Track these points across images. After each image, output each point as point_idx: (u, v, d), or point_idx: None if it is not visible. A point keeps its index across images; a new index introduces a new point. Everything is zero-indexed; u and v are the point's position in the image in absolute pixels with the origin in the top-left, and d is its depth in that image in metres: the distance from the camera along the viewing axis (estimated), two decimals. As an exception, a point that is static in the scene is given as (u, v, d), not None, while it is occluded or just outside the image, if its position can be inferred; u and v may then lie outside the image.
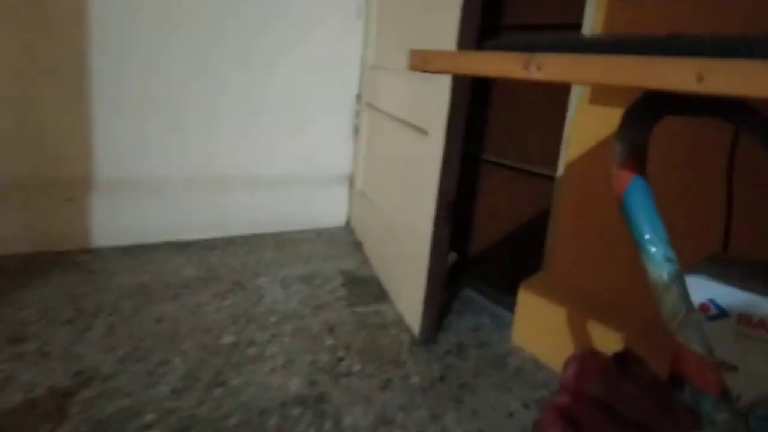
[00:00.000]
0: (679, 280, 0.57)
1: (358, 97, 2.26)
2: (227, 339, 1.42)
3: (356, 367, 1.35)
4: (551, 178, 1.56)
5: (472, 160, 1.88)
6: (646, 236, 0.59)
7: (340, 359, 1.38)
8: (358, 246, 2.16)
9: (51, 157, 1.82)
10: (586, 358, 0.77)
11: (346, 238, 2.25)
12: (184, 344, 1.37)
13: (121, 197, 1.94)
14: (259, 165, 2.18)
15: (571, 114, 1.45)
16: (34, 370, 1.21)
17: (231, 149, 2.10)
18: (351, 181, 2.35)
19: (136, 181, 1.96)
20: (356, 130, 2.28)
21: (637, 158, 0.62)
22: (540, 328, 1.45)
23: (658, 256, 0.58)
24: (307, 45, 2.13)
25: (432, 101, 1.42)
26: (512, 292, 1.60)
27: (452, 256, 1.63)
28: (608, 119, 1.34)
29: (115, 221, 1.95)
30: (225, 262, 1.92)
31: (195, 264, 1.87)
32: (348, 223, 2.39)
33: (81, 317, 1.46)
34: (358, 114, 2.27)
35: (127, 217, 1.96)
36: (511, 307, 1.61)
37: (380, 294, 1.76)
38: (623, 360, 0.77)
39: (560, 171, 1.48)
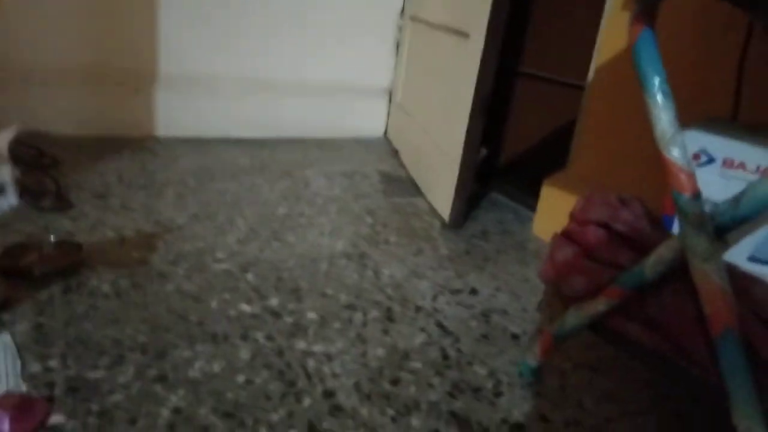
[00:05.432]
0: (668, 107, 0.72)
1: (402, 12, 2.36)
2: (281, 210, 1.62)
3: (392, 239, 1.54)
4: (580, 88, 1.68)
5: (507, 73, 1.99)
6: (649, 75, 0.74)
7: (378, 232, 1.57)
8: (394, 154, 2.32)
9: (122, 49, 2.00)
10: (591, 195, 0.93)
11: (383, 147, 2.42)
12: (245, 210, 1.58)
13: (182, 92, 2.12)
14: (306, 71, 2.32)
15: (603, 22, 1.55)
16: (120, 218, 1.43)
17: (281, 54, 2.25)
18: (390, 94, 2.49)
19: (196, 77, 2.13)
20: (398, 45, 2.40)
21: (648, 14, 0.76)
22: (560, 220, 1.60)
23: (653, 88, 0.73)
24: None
25: (475, 4, 1.53)
26: (535, 194, 1.74)
27: (483, 152, 1.78)
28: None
29: (176, 114, 2.13)
30: (274, 157, 2.10)
31: (248, 156, 2.06)
32: (386, 134, 2.54)
33: (154, 185, 1.67)
34: (400, 29, 2.38)
35: (186, 112, 2.15)
36: (532, 207, 1.77)
37: (414, 190, 1.93)
38: (624, 199, 0.93)
39: (590, 77, 1.60)
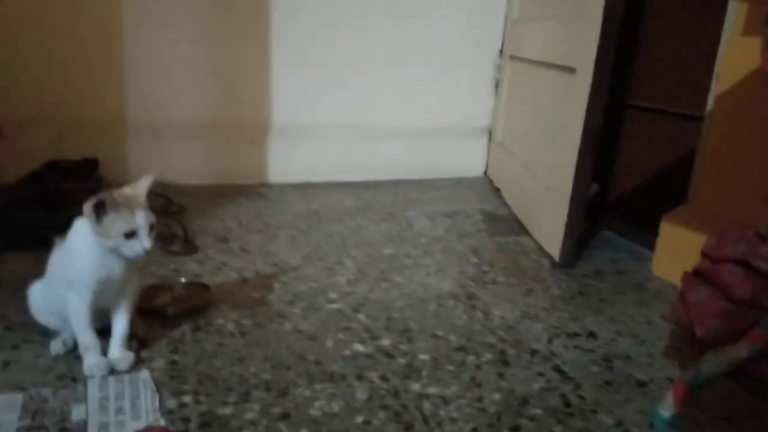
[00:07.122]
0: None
1: (501, 52, 2.38)
2: (387, 251, 1.65)
3: (500, 279, 1.51)
4: (696, 118, 1.59)
5: (615, 106, 1.93)
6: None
7: (485, 272, 1.55)
8: (496, 192, 2.30)
9: (238, 105, 2.17)
10: (726, 230, 0.87)
11: (484, 186, 2.40)
12: (353, 251, 1.62)
13: (292, 141, 2.25)
14: (405, 116, 2.38)
15: (722, 48, 1.47)
16: (240, 260, 1.52)
17: (381, 101, 2.33)
18: (490, 133, 2.48)
19: (303, 126, 2.26)
20: (497, 84, 2.41)
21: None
22: (681, 258, 1.49)
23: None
24: (453, 2, 2.30)
25: (581, 39, 1.51)
26: (650, 231, 1.65)
27: (594, 187, 1.72)
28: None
29: (286, 162, 2.26)
30: (377, 198, 2.16)
31: (352, 198, 2.13)
32: (486, 173, 2.53)
33: (268, 229, 1.77)
34: (499, 68, 2.39)
35: (295, 159, 2.27)
36: (648, 244, 1.67)
37: (519, 229, 1.89)
38: (762, 234, 0.86)
39: (709, 106, 1.51)
